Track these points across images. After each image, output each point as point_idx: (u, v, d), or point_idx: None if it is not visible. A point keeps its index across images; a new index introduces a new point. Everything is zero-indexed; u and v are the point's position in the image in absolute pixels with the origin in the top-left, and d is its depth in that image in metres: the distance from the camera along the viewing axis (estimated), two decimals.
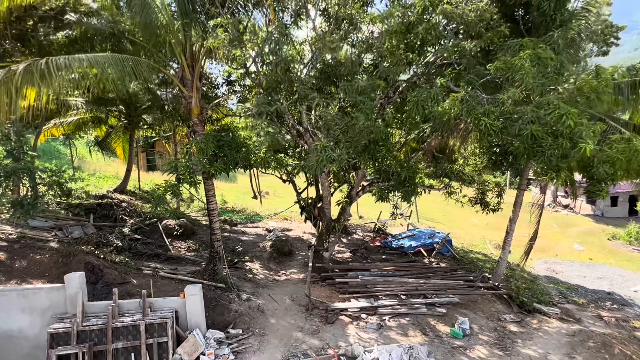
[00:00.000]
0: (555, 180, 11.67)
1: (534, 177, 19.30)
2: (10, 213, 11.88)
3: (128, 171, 22.48)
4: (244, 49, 11.58)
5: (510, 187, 38.59)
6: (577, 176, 17.15)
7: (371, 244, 19.97)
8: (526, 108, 9.29)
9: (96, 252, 12.76)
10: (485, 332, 11.89)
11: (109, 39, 12.05)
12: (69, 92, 9.84)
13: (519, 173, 16.59)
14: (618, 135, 9.40)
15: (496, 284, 14.91)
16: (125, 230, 15.94)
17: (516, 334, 11.96)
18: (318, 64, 13.03)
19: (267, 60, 12.08)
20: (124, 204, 19.28)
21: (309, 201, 17.67)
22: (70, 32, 13.51)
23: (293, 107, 13.54)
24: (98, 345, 9.02)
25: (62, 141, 28.24)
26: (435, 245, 18.71)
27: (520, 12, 12.42)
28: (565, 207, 41.74)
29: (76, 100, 17.01)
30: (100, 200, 18.70)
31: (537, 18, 11.79)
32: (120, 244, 14.34)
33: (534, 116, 9.05)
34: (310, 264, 13.86)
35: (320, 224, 15.96)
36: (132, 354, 9.04)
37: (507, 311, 13.59)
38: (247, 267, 15.34)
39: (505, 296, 14.50)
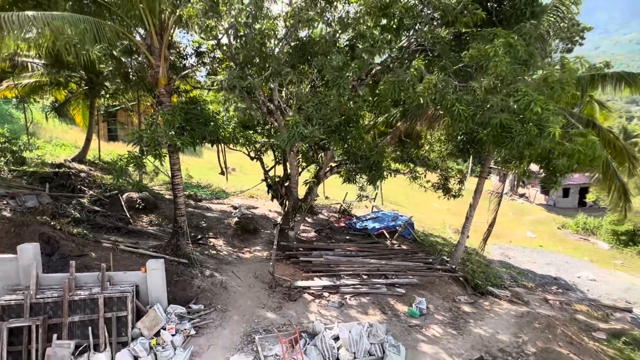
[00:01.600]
0: (517, 169, 12.16)
1: (495, 166, 20.05)
2: None
3: (88, 140, 21.49)
4: (218, 20, 11.18)
5: (472, 175, 39.93)
6: (534, 167, 17.93)
7: (336, 225, 20.23)
8: (496, 97, 9.56)
9: (52, 223, 12.25)
10: (440, 312, 12.42)
11: None
12: (24, 52, 9.16)
13: (482, 161, 17.15)
14: (577, 130, 9.88)
15: (453, 267, 15.54)
16: (84, 201, 15.36)
17: (469, 315, 12.58)
18: (292, 41, 12.80)
19: (241, 33, 11.74)
20: (82, 174, 18.50)
21: (277, 180, 17.59)
22: None
23: (264, 84, 13.30)
24: (53, 318, 8.76)
25: (15, 105, 26.56)
26: (397, 227, 19.19)
27: (493, 3, 12.64)
28: (521, 196, 43.69)
29: (32, 62, 15.96)
30: (57, 170, 17.85)
31: (509, 10, 12.07)
32: (78, 215, 13.82)
33: (504, 105, 9.34)
34: (275, 242, 13.90)
35: (287, 202, 15.97)
36: (90, 328, 8.84)
37: (462, 293, 14.23)
38: (211, 244, 15.21)
39: (461, 279, 15.15)
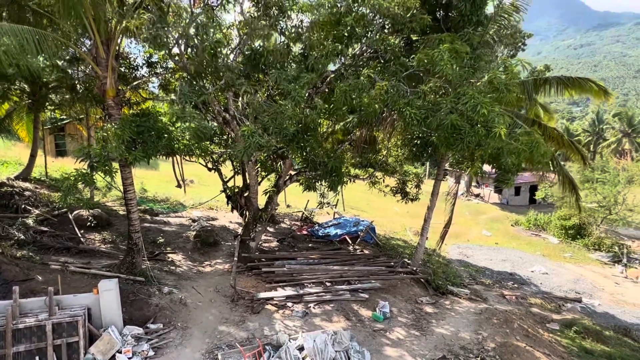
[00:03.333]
0: (469, 170, 12.61)
1: (450, 169, 20.71)
2: None
3: (32, 156, 20.29)
4: (167, 30, 10.90)
5: (429, 178, 41.08)
6: (487, 167, 18.67)
7: (298, 233, 20.15)
8: (445, 99, 9.90)
9: None
10: (404, 314, 12.60)
11: (5, 6, 10.63)
12: None
13: (437, 164, 17.67)
14: (522, 129, 10.39)
15: (414, 268, 15.84)
16: (29, 221, 14.44)
17: (431, 315, 12.84)
18: (246, 50, 12.69)
19: (192, 44, 11.51)
20: (27, 193, 17.41)
21: (236, 190, 17.32)
22: None
23: (219, 94, 13.09)
24: None
25: None
26: (359, 233, 19.36)
27: (441, 12, 13.14)
28: (477, 196, 45.39)
29: None
30: None
31: (456, 18, 12.58)
32: (22, 237, 12.99)
33: (453, 107, 9.68)
34: (236, 254, 13.66)
35: (247, 213, 15.75)
36: (37, 357, 8.27)
37: (423, 294, 14.51)
38: (170, 259, 14.71)
39: (422, 280, 15.47)
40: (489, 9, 13.72)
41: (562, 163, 15.34)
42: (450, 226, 18.80)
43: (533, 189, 41.37)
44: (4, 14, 10.37)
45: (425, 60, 9.97)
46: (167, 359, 9.20)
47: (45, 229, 14.55)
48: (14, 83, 17.39)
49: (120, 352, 8.82)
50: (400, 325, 11.87)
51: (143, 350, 9.13)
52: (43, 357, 8.32)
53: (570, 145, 15.22)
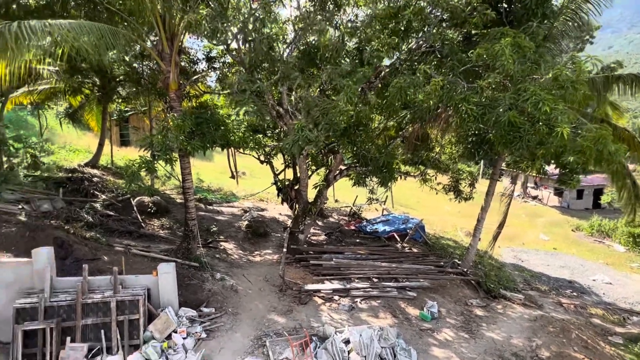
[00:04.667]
0: (529, 169, 12.01)
1: (506, 168, 19.84)
2: None
3: (100, 145, 21.80)
4: (226, 25, 11.28)
5: (483, 177, 39.57)
6: (548, 168, 17.70)
7: (346, 228, 20.19)
8: (504, 95, 9.47)
9: (66, 227, 12.43)
10: (452, 315, 12.30)
11: (83, 6, 11.48)
12: (41, 60, 9.30)
13: (493, 163, 16.99)
14: (589, 125, 9.72)
15: (465, 270, 15.38)
16: (97, 205, 15.55)
17: (481, 318, 12.43)
18: (301, 45, 12.86)
19: (250, 38, 11.82)
20: (95, 179, 18.75)
21: (286, 183, 17.65)
22: None
23: (274, 88, 13.37)
24: (67, 321, 8.86)
25: (31, 111, 27.05)
26: (408, 230, 19.07)
27: (503, 4, 12.55)
28: (534, 198, 43.13)
29: (47, 69, 16.24)
30: (70, 175, 18.13)
31: (520, 11, 11.97)
32: (91, 219, 13.99)
33: (512, 103, 9.24)
34: (285, 246, 13.94)
35: (297, 206, 16.01)
36: (102, 331, 8.93)
37: (474, 296, 14.07)
38: (222, 247, 15.28)
39: (473, 282, 14.99)
40: (555, 1, 12.96)
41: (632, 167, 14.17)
42: (503, 227, 18.03)
43: (597, 192, 38.68)
44: (82, 12, 11.14)
45: (485, 55, 9.57)
46: (218, 342, 9.60)
47: (111, 213, 15.60)
48: (87, 77, 18.72)
49: (176, 332, 9.32)
50: (449, 326, 11.60)
51: (196, 332, 9.59)
52: (107, 331, 8.96)
53: None
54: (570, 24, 13.27)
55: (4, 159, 12.14)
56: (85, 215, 14.08)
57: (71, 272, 10.61)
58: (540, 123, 9.03)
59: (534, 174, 13.22)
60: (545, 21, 12.16)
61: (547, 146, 9.28)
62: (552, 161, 10.97)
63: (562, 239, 29.13)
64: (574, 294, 18.34)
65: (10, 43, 8.36)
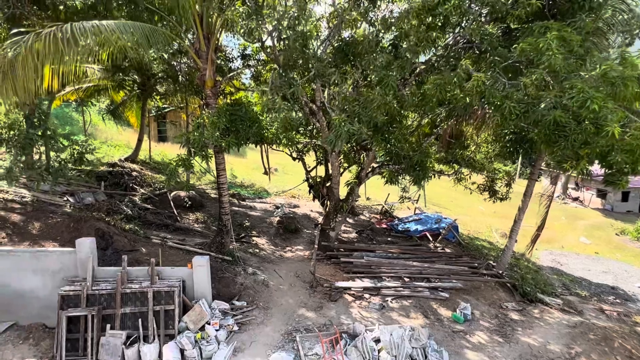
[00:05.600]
0: (573, 170, 11.47)
1: (545, 168, 19.09)
2: (31, 177, 12.01)
3: (139, 141, 22.58)
4: (261, 22, 11.40)
5: (521, 177, 38.29)
6: (591, 168, 16.88)
7: (377, 226, 20.04)
8: (549, 92, 9.08)
9: (107, 219, 12.97)
10: (486, 318, 11.99)
11: (125, 5, 11.90)
12: (88, 59, 9.71)
13: (532, 163, 16.38)
14: (639, 123, 9.17)
15: (500, 272, 14.95)
16: (136, 199, 16.14)
17: (517, 322, 12.06)
18: (335, 42, 12.82)
19: (284, 36, 11.90)
20: (134, 174, 19.45)
21: (318, 180, 17.70)
22: None
23: (306, 85, 13.40)
24: (107, 309, 9.25)
25: (75, 108, 28.33)
26: (441, 230, 18.72)
27: None
28: (575, 199, 41.35)
29: (92, 67, 16.97)
30: (111, 169, 18.89)
31: (565, 4, 11.43)
32: (130, 212, 14.54)
33: (557, 102, 8.85)
34: (316, 242, 13.97)
35: (328, 203, 16.01)
36: (140, 319, 9.26)
37: (509, 299, 13.66)
38: (254, 242, 15.51)
39: (508, 285, 14.55)
40: None
41: None
42: (542, 230, 17.40)
43: None
44: (124, 12, 11.54)
45: (530, 50, 9.19)
46: (250, 335, 9.76)
47: (148, 206, 16.16)
48: (128, 74, 19.41)
49: (209, 324, 9.54)
50: (482, 329, 11.32)
51: (229, 324, 9.79)
52: (144, 320, 9.29)
53: None
54: (618, 16, 12.58)
55: (53, 154, 12.82)
56: (125, 208, 14.63)
57: (111, 262, 11.08)
58: (587, 122, 8.60)
59: (577, 175, 12.58)
60: (592, 14, 11.56)
61: (593, 146, 8.84)
62: (597, 161, 10.42)
63: (605, 243, 27.78)
64: (617, 300, 17.45)
65: (62, 44, 8.75)
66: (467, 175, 17.67)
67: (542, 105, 8.98)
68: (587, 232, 29.97)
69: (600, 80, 8.69)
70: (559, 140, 8.92)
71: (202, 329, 9.48)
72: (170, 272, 10.19)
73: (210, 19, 11.76)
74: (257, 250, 14.71)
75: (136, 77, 20.05)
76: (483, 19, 11.92)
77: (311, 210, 21.29)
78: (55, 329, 8.97)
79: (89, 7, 12.59)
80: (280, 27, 11.66)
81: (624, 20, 13.06)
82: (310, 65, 11.73)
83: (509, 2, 10.55)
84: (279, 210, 20.01)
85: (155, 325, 9.25)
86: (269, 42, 12.84)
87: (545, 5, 11.70)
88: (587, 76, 9.14)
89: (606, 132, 8.21)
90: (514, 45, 9.85)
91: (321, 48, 12.85)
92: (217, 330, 9.49)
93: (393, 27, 12.02)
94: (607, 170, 10.29)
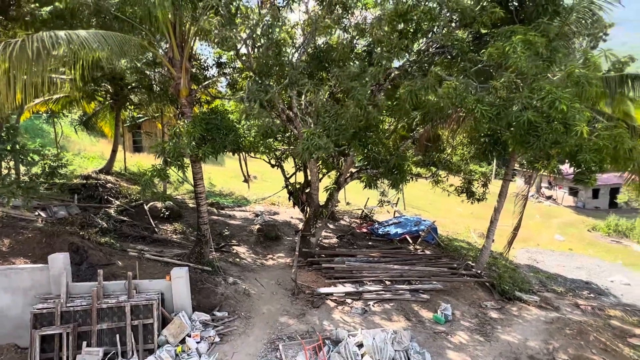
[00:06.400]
0: (544, 169, 11.84)
1: (519, 168, 19.60)
2: (1, 193, 11.61)
3: (114, 152, 22.11)
4: (235, 31, 11.38)
5: (496, 178, 39.15)
6: (562, 167, 17.42)
7: (358, 231, 20.14)
8: (519, 94, 9.36)
9: (81, 233, 12.62)
10: (466, 318, 12.16)
11: (94, 15, 11.66)
12: (59, 69, 9.49)
13: (505, 163, 16.80)
14: (604, 124, 9.56)
15: (479, 271, 15.20)
16: (111, 211, 15.78)
17: (496, 321, 12.27)
18: (310, 49, 12.89)
19: (259, 44, 11.90)
20: (109, 185, 19.03)
21: (297, 186, 17.69)
22: (54, 7, 13.05)
23: (283, 92, 13.42)
24: (82, 325, 8.99)
25: (46, 119, 27.58)
26: (420, 232, 18.94)
27: (514, 2, 12.43)
28: (548, 198, 42.52)
29: (62, 78, 16.56)
30: (85, 181, 18.42)
31: (530, 8, 11.84)
32: (105, 225, 14.21)
33: (527, 102, 9.13)
34: (297, 249, 13.94)
35: (308, 209, 16.00)
36: (117, 335, 9.04)
37: (488, 298, 13.90)
38: (234, 251, 15.36)
39: (487, 284, 14.81)
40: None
41: None
42: (519, 230, 17.79)
43: (614, 191, 37.97)
44: (92, 20, 11.32)
45: (496, 54, 9.48)
46: (232, 345, 9.63)
47: (124, 218, 15.81)
48: (100, 85, 19.02)
49: (190, 336, 9.38)
50: (463, 329, 11.47)
51: (210, 336, 9.64)
52: (122, 335, 9.06)
53: None
54: (582, 21, 13.08)
55: (23, 168, 12.44)
56: (100, 221, 14.29)
57: (86, 277, 10.78)
58: (556, 122, 8.91)
59: (548, 174, 12.99)
60: (557, 18, 12.00)
61: (563, 145, 9.15)
62: (567, 160, 10.80)
63: (578, 239, 28.65)
64: (591, 295, 17.99)
65: (34, 55, 8.53)
66: (444, 177, 17.98)
67: (514, 108, 9.24)
68: (561, 229, 30.85)
69: (566, 81, 9.02)
70: (530, 141, 9.20)
71: (183, 341, 9.31)
72: (148, 285, 9.98)
73: (183, 28, 11.67)
74: (238, 260, 14.56)
75: (109, 87, 19.66)
76: (454, 25, 12.21)
77: (291, 217, 21.23)
78: (28, 349, 8.65)
79: (56, 17, 12.31)
80: (255, 35, 11.67)
81: (588, 25, 13.57)
82: (285, 72, 11.77)
83: (477, 8, 10.85)
84: (259, 218, 19.89)
85: (133, 341, 9.04)
86: (243, 50, 12.82)
87: (512, 11, 12.10)
88: (555, 78, 9.47)
89: (575, 132, 8.51)
90: (482, 50, 10.13)
91: (296, 55, 12.91)
92: (198, 342, 9.33)
93: (367, 34, 12.19)
94: (576, 169, 10.65)
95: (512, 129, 9.42)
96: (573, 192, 39.84)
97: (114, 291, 9.65)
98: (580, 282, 19.71)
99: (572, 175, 11.75)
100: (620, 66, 14.76)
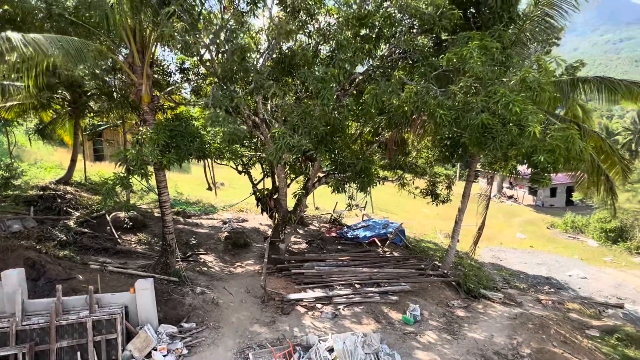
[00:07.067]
0: (502, 170, 12.27)
1: (481, 170, 20.25)
2: None
3: (73, 161, 21.24)
4: (198, 37, 11.23)
5: (460, 179, 40.28)
6: (521, 168, 18.12)
7: (327, 235, 20.19)
8: (476, 98, 9.69)
9: (37, 247, 12.01)
10: (434, 317, 12.41)
11: (47, 19, 11.19)
12: (7, 75, 9.03)
13: (468, 165, 17.32)
14: (557, 125, 10.04)
15: (445, 271, 15.56)
16: (70, 223, 15.13)
17: (463, 319, 12.57)
18: (274, 54, 12.89)
19: (223, 49, 11.79)
20: (68, 196, 18.24)
21: (265, 193, 17.57)
22: (3, 10, 12.43)
23: (249, 97, 13.34)
24: (40, 344, 8.56)
25: None
26: (388, 235, 19.21)
27: (471, 9, 12.90)
28: (510, 198, 44.13)
29: (14, 84, 15.79)
30: (42, 192, 17.59)
31: (487, 16, 12.32)
32: (64, 238, 13.60)
33: (484, 106, 9.47)
34: (266, 256, 13.83)
35: (277, 215, 15.93)
36: (79, 353, 8.66)
37: (455, 297, 14.24)
38: (202, 260, 15.05)
39: (453, 283, 15.18)
40: (522, 5, 13.35)
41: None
42: (483, 229, 18.36)
43: (570, 190, 39.86)
44: (46, 25, 10.87)
45: (455, 59, 9.81)
46: (200, 357, 9.41)
47: (85, 230, 15.19)
48: (56, 92, 18.28)
49: (156, 350, 9.10)
50: (431, 328, 11.69)
51: (177, 349, 9.38)
52: (84, 352, 8.69)
53: (612, 153, 14.28)
54: (537, 27, 13.72)
55: None
56: (58, 234, 13.68)
57: (44, 293, 10.28)
58: (511, 124, 9.29)
59: (507, 174, 13.51)
60: (512, 25, 12.53)
61: (519, 146, 9.54)
62: (524, 161, 11.26)
63: (538, 237, 29.86)
64: (552, 290, 18.78)
65: None
66: (410, 180, 18.35)
67: (472, 111, 9.56)
68: (522, 227, 32.06)
69: (520, 85, 9.42)
70: (487, 143, 9.53)
71: (149, 356, 9.03)
72: (110, 299, 9.64)
73: (144, 33, 11.40)
74: (206, 269, 14.28)
75: (66, 94, 18.92)
76: (415, 31, 12.53)
77: (260, 224, 21.05)
78: None
79: (6, 21, 11.74)
80: (218, 41, 11.55)
81: (542, 31, 14.25)
82: (250, 78, 11.70)
83: (437, 14, 11.17)
84: (227, 225, 19.60)
85: (96, 357, 8.69)
86: (207, 56, 12.66)
87: (470, 17, 12.54)
88: (511, 82, 9.88)
89: (529, 133, 8.89)
90: (441, 56, 10.45)
91: (260, 61, 12.87)
92: (165, 355, 9.07)
93: (330, 39, 12.31)
94: (532, 170, 11.10)
95: (470, 131, 9.73)
96: (533, 192, 41.54)
97: (74, 307, 9.25)
98: (541, 278, 20.54)
99: (529, 176, 12.27)
100: (572, 70, 15.58)
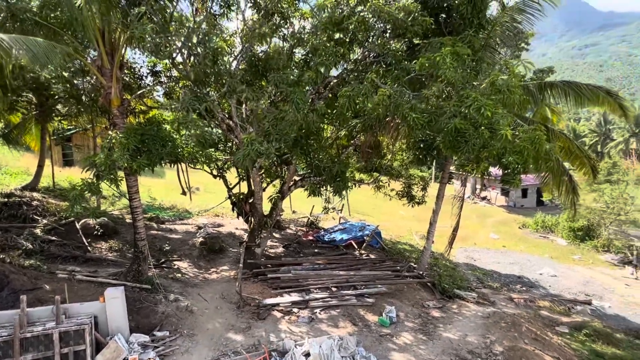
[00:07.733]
0: (475, 172, 12.51)
1: (455, 171, 20.64)
2: None
3: (40, 167, 20.50)
4: (170, 39, 11.03)
5: (436, 181, 40.90)
6: (493, 169, 18.55)
7: (304, 239, 20.13)
8: (449, 103, 9.87)
9: (1, 257, 11.54)
10: (410, 319, 12.52)
11: (9, 19, 10.75)
12: None
13: (442, 167, 17.61)
14: (525, 127, 10.32)
15: (421, 272, 15.75)
16: (37, 231, 14.58)
17: (438, 319, 12.73)
18: (248, 57, 12.80)
19: (195, 52, 11.62)
20: (35, 203, 17.59)
21: (241, 197, 17.38)
22: None
23: (223, 101, 13.19)
24: (3, 359, 8.18)
25: None
26: (365, 237, 19.30)
27: (442, 15, 13.15)
28: (483, 199, 45.10)
29: None
30: (6, 199, 16.90)
31: (458, 21, 12.58)
32: (30, 246, 13.09)
33: (456, 110, 9.65)
34: (241, 261, 13.65)
35: (252, 219, 15.77)
36: None
37: (430, 298, 14.41)
38: (176, 267, 14.75)
39: (429, 284, 15.37)
40: (492, 11, 13.71)
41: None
42: (457, 230, 18.68)
43: (540, 191, 41.00)
44: (7, 25, 10.45)
45: (427, 65, 9.97)
46: None
47: (53, 238, 14.66)
48: (21, 95, 17.62)
49: None
50: (407, 329, 11.79)
51: (149, 358, 9.13)
52: None
53: (580, 154, 14.77)
54: (506, 33, 14.10)
55: None
56: (24, 242, 13.17)
57: (8, 305, 9.83)
58: (483, 127, 9.49)
59: (480, 176, 13.81)
60: (482, 30, 12.83)
61: (490, 149, 9.75)
62: (495, 162, 11.53)
63: (510, 236, 30.59)
64: (523, 288, 19.25)
65: None
66: (385, 182, 18.50)
67: (443, 114, 9.73)
68: (495, 228, 32.78)
69: (490, 89, 9.64)
70: (460, 146, 9.70)
71: None
72: (79, 309, 9.31)
73: (113, 35, 11.12)
74: (180, 275, 13.99)
75: (32, 97, 18.26)
76: (388, 35, 12.67)
77: (236, 228, 20.81)
78: None
79: None
80: (190, 44, 11.38)
81: (511, 37, 14.66)
82: (223, 81, 11.58)
83: (409, 19, 11.33)
84: (202, 230, 19.28)
85: None
86: (179, 59, 12.46)
87: (441, 23, 12.78)
88: (481, 86, 10.10)
89: (500, 136, 9.11)
90: (414, 61, 10.60)
91: (234, 64, 12.76)
92: None
93: (304, 43, 12.31)
94: (503, 171, 11.37)
95: (443, 135, 9.90)
96: (505, 193, 42.59)
97: (39, 318, 8.89)
98: (513, 277, 21.03)
99: (500, 177, 12.58)
100: (540, 75, 16.06)
